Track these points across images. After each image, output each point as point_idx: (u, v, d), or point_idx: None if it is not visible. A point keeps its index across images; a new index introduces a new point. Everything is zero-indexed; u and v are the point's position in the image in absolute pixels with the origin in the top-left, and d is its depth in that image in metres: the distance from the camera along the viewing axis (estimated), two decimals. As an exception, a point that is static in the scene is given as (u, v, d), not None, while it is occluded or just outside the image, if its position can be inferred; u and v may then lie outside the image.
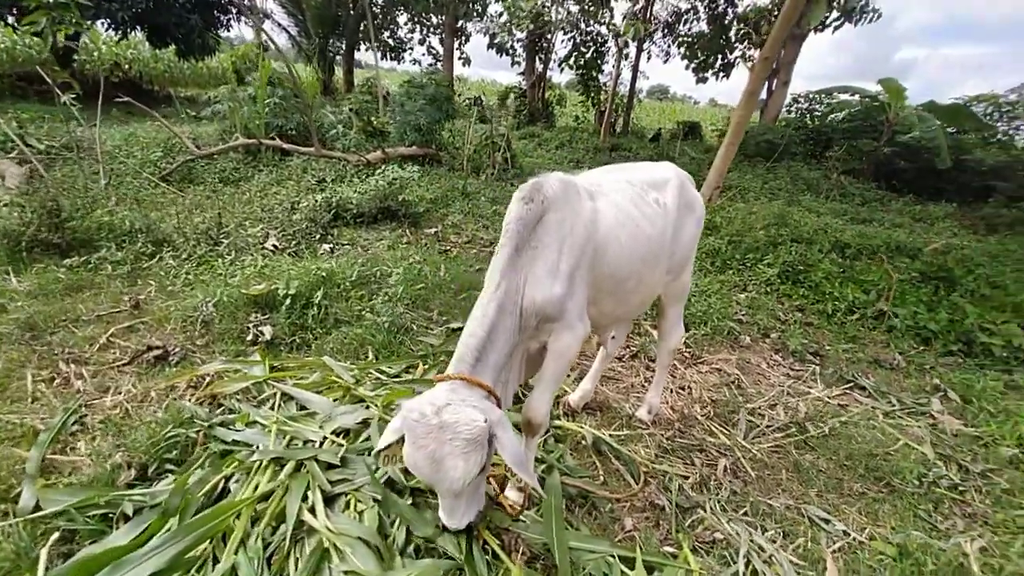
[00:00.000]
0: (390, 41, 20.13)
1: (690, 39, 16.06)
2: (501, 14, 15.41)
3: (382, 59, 19.47)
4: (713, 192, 7.38)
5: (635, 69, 16.13)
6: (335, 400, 2.26)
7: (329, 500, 1.64)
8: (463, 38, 18.48)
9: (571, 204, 1.79)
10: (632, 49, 15.46)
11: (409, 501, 1.73)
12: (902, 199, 10.18)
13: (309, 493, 1.63)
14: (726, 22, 15.36)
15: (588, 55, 16.46)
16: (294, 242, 4.67)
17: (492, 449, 1.50)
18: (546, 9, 14.36)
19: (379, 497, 1.68)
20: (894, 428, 2.75)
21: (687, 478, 2.23)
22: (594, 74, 16.52)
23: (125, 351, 2.68)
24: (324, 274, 3.48)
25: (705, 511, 2.02)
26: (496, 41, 16.92)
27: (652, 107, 24.55)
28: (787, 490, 2.26)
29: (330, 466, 1.79)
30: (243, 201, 5.61)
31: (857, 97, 12.01)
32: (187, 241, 4.23)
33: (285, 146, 6.84)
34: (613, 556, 1.66)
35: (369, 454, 1.89)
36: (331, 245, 4.69)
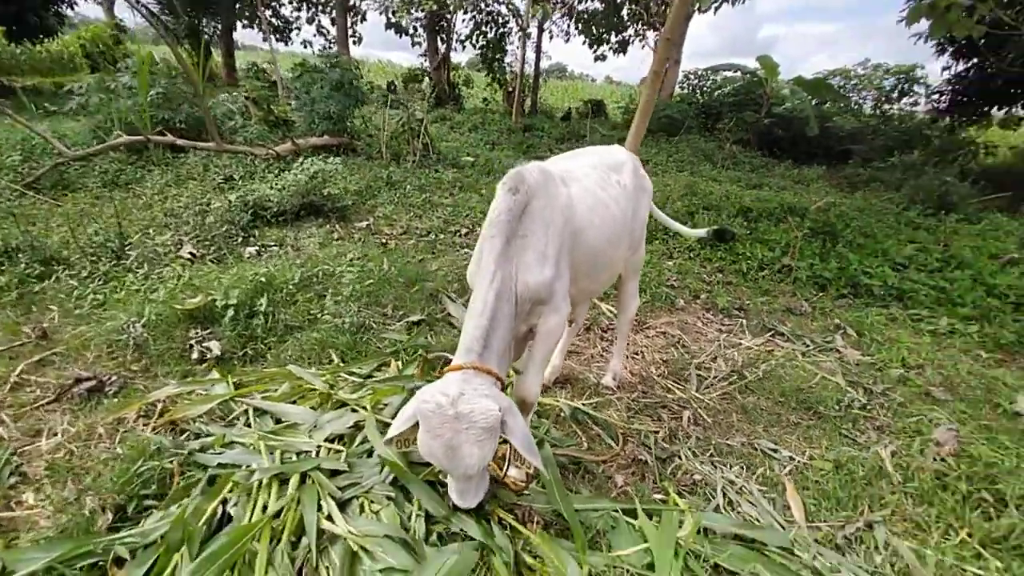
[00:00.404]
0: (275, 20, 18.54)
1: (586, 16, 16.53)
2: (399, -8, 14.79)
3: (265, 41, 17.94)
4: (628, 167, 7.82)
5: (538, 49, 16.39)
6: (313, 408, 2.18)
7: (342, 506, 1.62)
8: (357, 17, 17.53)
9: (550, 192, 1.88)
10: (533, 29, 15.68)
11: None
12: (782, 164, 11.47)
13: (322, 503, 1.59)
14: (618, 1, 16.02)
15: (490, 35, 16.42)
16: (213, 248, 4.28)
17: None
18: (445, -13, 14.03)
19: (392, 495, 1.69)
20: (812, 365, 3.21)
21: (658, 432, 2.46)
22: (498, 55, 16.55)
23: (46, 388, 2.35)
24: (264, 279, 3.26)
25: (681, 459, 2.26)
26: (395, 21, 16.28)
27: (555, 86, 25.03)
28: (739, 430, 2.57)
29: (334, 473, 1.75)
30: (140, 206, 5.01)
31: (739, 73, 13.19)
32: (84, 257, 3.72)
33: (180, 142, 6.15)
34: (616, 510, 1.82)
35: (370, 456, 1.87)
36: (257, 247, 4.37)
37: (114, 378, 2.39)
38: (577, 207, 1.96)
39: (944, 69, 10.51)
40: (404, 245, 4.79)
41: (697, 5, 9.10)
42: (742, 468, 2.24)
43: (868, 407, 2.78)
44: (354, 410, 2.11)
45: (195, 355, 2.65)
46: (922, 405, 2.82)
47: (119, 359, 2.62)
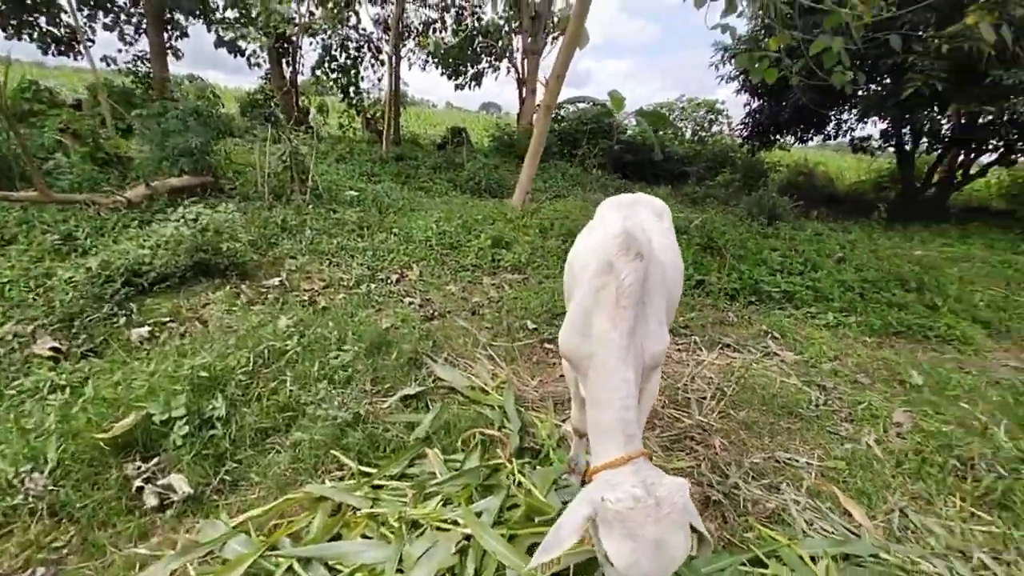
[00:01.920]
0: (53, 30, 15.04)
1: (442, 49, 16.81)
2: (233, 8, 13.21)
3: (45, 54, 14.45)
4: (525, 197, 8.08)
5: (396, 76, 16.11)
6: (369, 538, 1.77)
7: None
8: (175, 32, 15.20)
9: (650, 249, 1.82)
10: (384, 57, 15.39)
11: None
12: (636, 185, 12.98)
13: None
14: (470, 34, 16.63)
15: (343, 60, 15.65)
16: (83, 336, 3.26)
17: None
18: (292, 11, 13.00)
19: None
20: (768, 371, 3.64)
21: (699, 465, 2.54)
22: (353, 80, 15.83)
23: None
24: (206, 373, 2.57)
25: (740, 488, 2.35)
26: (228, 40, 14.50)
27: (413, 113, 24.83)
28: (754, 446, 2.79)
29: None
30: (-67, 290, 3.59)
31: (591, 105, 14.65)
32: None
33: (-21, 193, 4.59)
34: (743, 563, 1.82)
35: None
36: (147, 328, 3.45)
37: (45, 570, 1.63)
38: (665, 263, 1.95)
39: (745, 105, 13.12)
40: (334, 301, 4.22)
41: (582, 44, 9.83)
42: (786, 484, 2.43)
43: (828, 401, 3.26)
44: (439, 528, 1.76)
45: (151, 501, 1.95)
46: (859, 392, 3.39)
47: (23, 537, 1.80)
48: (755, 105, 12.76)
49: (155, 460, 2.14)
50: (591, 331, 1.74)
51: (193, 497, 2.01)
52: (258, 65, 15.83)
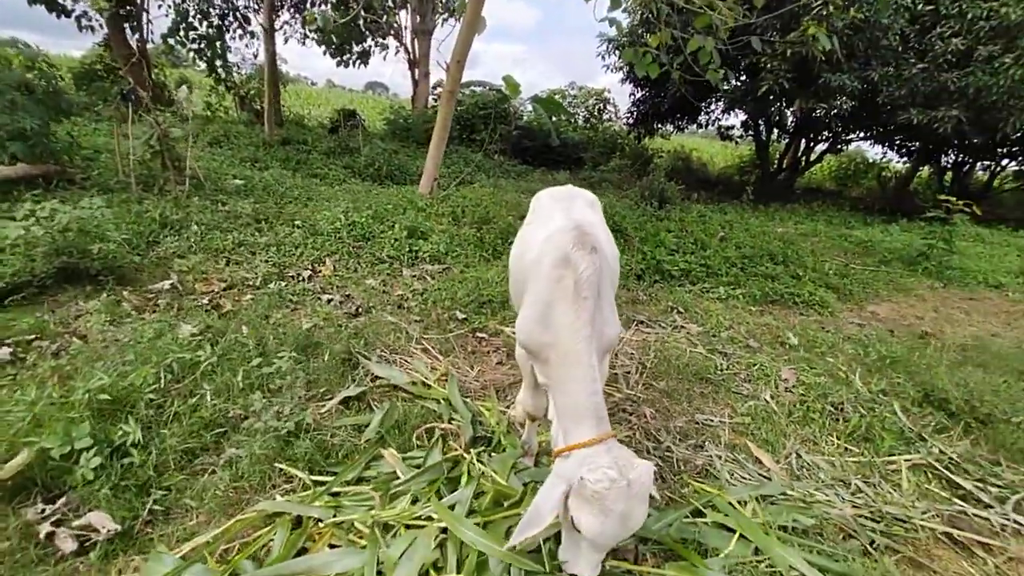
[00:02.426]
0: None
1: (332, 24, 15.61)
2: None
3: None
4: (432, 183, 7.94)
5: (273, 51, 14.64)
6: (338, 546, 1.70)
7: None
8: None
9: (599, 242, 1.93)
10: (255, 28, 13.96)
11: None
12: (537, 171, 13.39)
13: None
14: (354, 10, 15.66)
15: (205, 29, 13.85)
16: (-87, 367, 2.63)
17: None
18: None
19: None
20: (679, 343, 4.05)
21: (634, 434, 2.79)
22: (219, 52, 14.10)
23: None
24: (107, 396, 2.22)
25: (672, 451, 2.63)
26: (53, -4, 12.03)
27: (293, 92, 22.79)
28: (676, 412, 3.12)
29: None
30: None
31: (487, 89, 14.65)
32: None
33: None
34: (687, 516, 2.06)
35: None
36: (8, 349, 2.87)
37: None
38: (607, 254, 2.07)
39: (630, 95, 14.05)
40: (241, 303, 3.85)
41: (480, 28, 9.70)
42: (708, 442, 2.76)
43: (729, 365, 3.73)
44: (409, 527, 1.74)
45: (68, 546, 1.67)
46: (751, 355, 3.93)
47: None
48: (639, 95, 13.72)
49: (62, 500, 1.82)
50: (552, 321, 1.83)
51: (121, 533, 1.76)
52: (91, 28, 13.37)
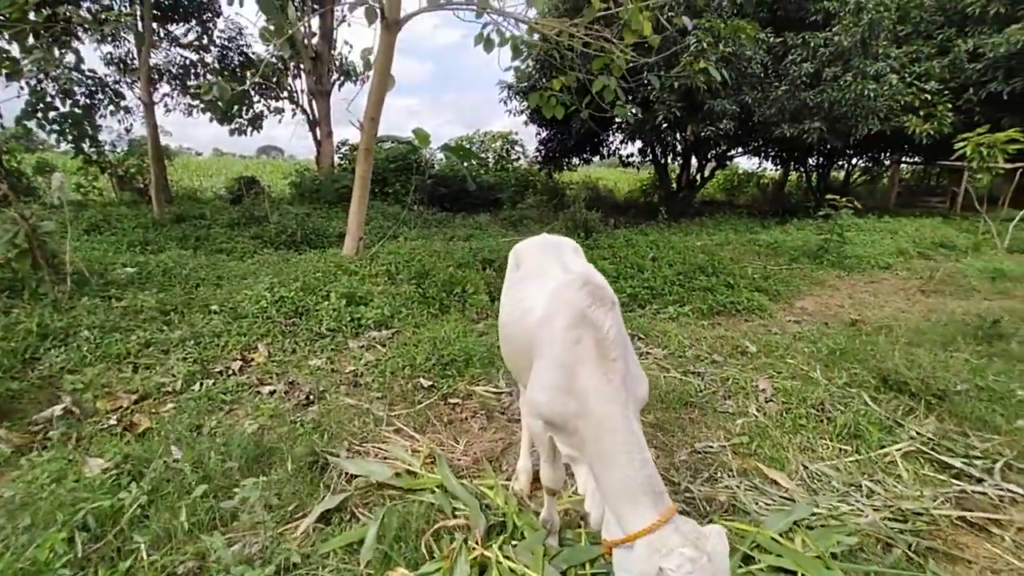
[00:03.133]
0: None
1: (228, 93, 14.82)
2: None
3: None
4: (358, 243, 7.55)
5: (153, 126, 13.52)
6: None
7: None
8: None
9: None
10: (130, 103, 12.93)
11: None
12: (457, 216, 13.36)
13: None
14: (240, 75, 15.05)
15: (69, 108, 12.51)
16: None
17: None
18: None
19: None
20: (648, 369, 4.01)
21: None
22: (89, 131, 12.76)
23: None
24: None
25: (692, 491, 2.50)
26: None
27: (180, 164, 21.14)
28: (676, 443, 3.01)
29: None
30: None
31: (396, 143, 14.58)
32: None
33: None
34: (740, 564, 1.90)
35: None
36: None
37: None
38: None
39: (536, 134, 14.69)
40: (161, 416, 3.24)
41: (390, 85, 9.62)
42: (720, 472, 2.67)
43: (705, 385, 3.74)
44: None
45: None
46: (719, 369, 3.99)
47: None
48: (544, 134, 14.37)
49: None
50: (577, 388, 1.65)
51: None
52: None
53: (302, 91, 16.26)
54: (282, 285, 5.22)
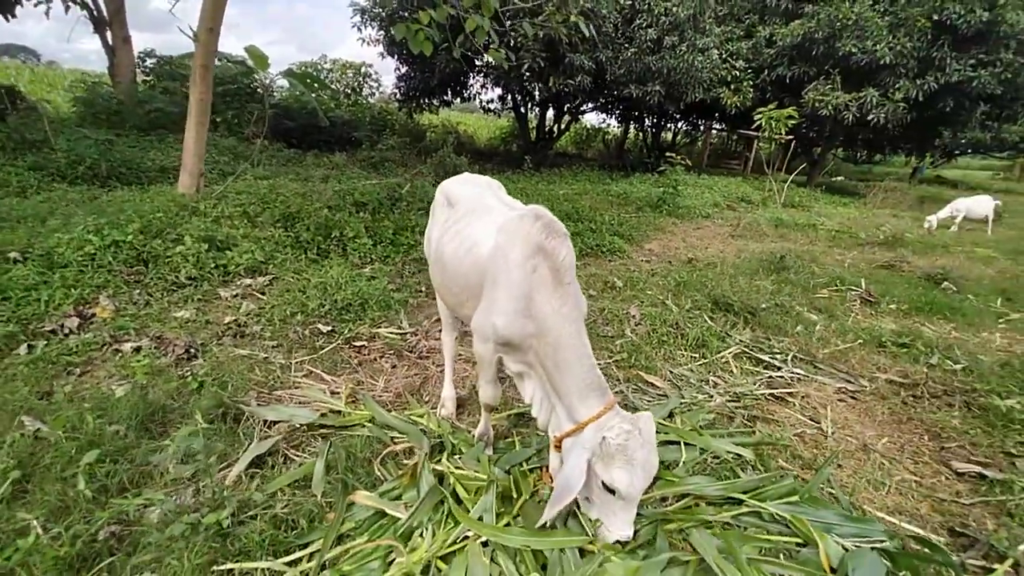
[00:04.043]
0: None
1: None
2: None
3: None
4: (199, 180, 6.51)
5: None
6: None
7: None
8: None
9: None
10: None
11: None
12: (308, 155, 12.11)
13: None
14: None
15: None
16: None
17: None
18: None
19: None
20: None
21: (554, 396, 3.03)
22: None
23: None
24: None
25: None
26: None
27: None
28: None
29: None
30: None
31: (223, 62, 12.33)
32: None
33: None
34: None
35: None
36: None
37: None
38: None
39: (396, 70, 13.72)
40: (-19, 385, 2.61)
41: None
42: (610, 381, 3.19)
43: (589, 316, 4.27)
44: (443, 558, 1.59)
45: None
46: (597, 301, 4.58)
47: None
48: (404, 71, 13.55)
49: None
50: (535, 311, 1.85)
51: None
52: None
53: (79, -24, 12.55)
54: (114, 227, 4.32)
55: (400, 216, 6.15)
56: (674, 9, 10.53)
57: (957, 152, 17.08)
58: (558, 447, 1.96)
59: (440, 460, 2.20)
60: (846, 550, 1.74)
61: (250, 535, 1.72)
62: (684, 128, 18.27)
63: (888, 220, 9.24)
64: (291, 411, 2.52)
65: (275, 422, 2.47)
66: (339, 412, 2.60)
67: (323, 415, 2.55)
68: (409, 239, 5.60)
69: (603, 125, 20.07)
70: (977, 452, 2.64)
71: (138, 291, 3.79)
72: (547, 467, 2.16)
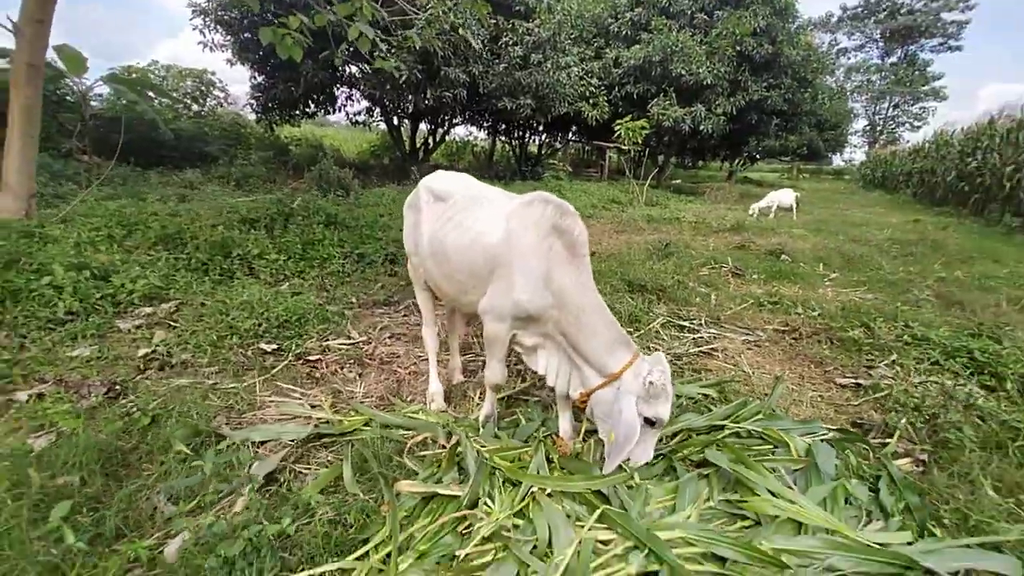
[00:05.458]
0: None
1: None
2: None
3: None
4: (29, 202, 5.39)
5: None
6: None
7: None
8: None
9: None
10: None
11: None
12: (151, 171, 10.50)
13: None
14: None
15: None
16: None
17: None
18: None
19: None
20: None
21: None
22: None
23: None
24: None
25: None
26: None
27: None
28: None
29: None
30: None
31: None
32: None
33: None
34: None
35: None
36: None
37: None
38: None
39: (251, 79, 12.52)
40: None
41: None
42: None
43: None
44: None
45: None
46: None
47: None
48: (261, 80, 12.51)
49: None
50: (553, 286, 2.05)
51: None
52: None
53: None
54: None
55: (302, 231, 5.75)
56: (536, 30, 11.45)
57: (758, 157, 21.35)
58: (581, 405, 2.17)
59: (468, 441, 2.25)
60: (808, 445, 2.24)
61: (311, 540, 1.61)
62: (547, 140, 19.72)
63: (726, 212, 11.18)
64: (278, 429, 2.33)
65: (263, 443, 2.26)
66: (328, 422, 2.46)
67: (324, 422, 2.40)
68: (321, 252, 5.29)
69: (470, 138, 20.72)
70: (847, 370, 3.48)
71: (3, 334, 3.05)
72: (556, 433, 2.35)
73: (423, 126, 15.93)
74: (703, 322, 4.25)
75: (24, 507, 1.68)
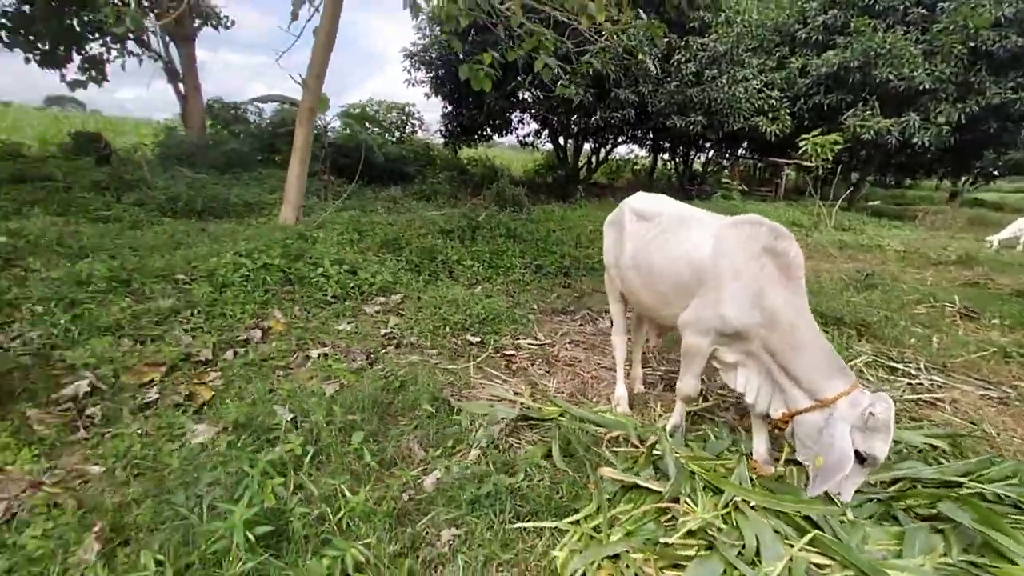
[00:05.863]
0: None
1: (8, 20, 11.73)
2: None
3: None
4: (298, 212, 7.02)
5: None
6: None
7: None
8: None
9: None
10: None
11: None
12: (369, 188, 12.74)
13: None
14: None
15: None
16: None
17: None
18: None
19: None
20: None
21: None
22: None
23: None
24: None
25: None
26: None
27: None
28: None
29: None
30: None
31: (287, 105, 13.20)
32: None
33: None
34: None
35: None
36: None
37: None
38: None
39: (443, 108, 14.54)
40: (213, 384, 2.93)
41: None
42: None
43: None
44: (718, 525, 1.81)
45: None
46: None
47: None
48: (451, 109, 14.30)
49: None
50: (764, 303, 2.12)
51: None
52: None
53: (154, 31, 13.66)
54: (261, 252, 4.73)
55: (487, 242, 6.49)
56: (712, 45, 11.10)
57: (996, 174, 17.22)
58: (782, 425, 2.18)
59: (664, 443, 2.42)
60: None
61: (535, 498, 1.96)
62: (713, 156, 18.72)
63: (948, 241, 9.36)
64: (496, 408, 2.78)
65: (482, 415, 2.73)
66: (529, 408, 2.85)
67: (522, 410, 2.80)
68: (505, 262, 5.93)
69: (630, 155, 20.64)
70: None
71: (297, 308, 4.14)
72: (749, 454, 2.37)
73: (587, 145, 16.45)
74: (922, 367, 3.74)
75: (334, 431, 2.35)
